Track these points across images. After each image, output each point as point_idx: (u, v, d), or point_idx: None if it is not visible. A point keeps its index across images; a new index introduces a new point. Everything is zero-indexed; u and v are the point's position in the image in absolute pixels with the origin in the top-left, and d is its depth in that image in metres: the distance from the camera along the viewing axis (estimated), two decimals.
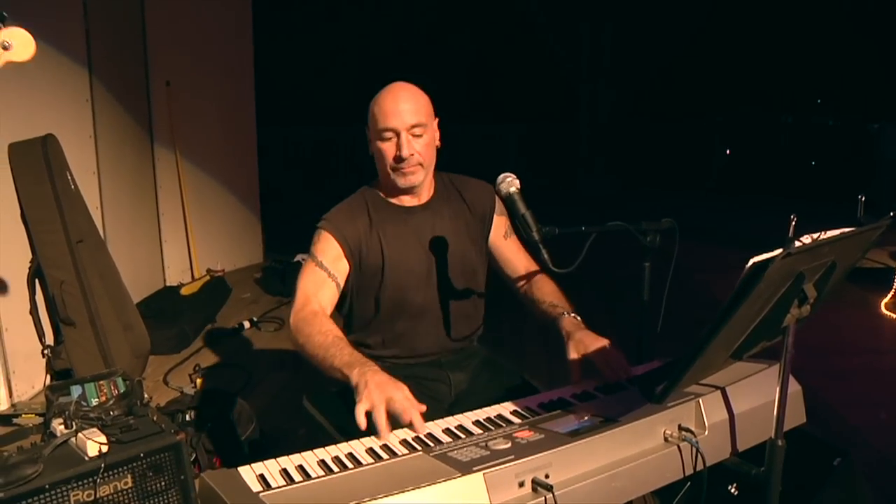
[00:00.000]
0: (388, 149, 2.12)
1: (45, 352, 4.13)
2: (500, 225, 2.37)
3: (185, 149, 6.28)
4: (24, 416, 3.68)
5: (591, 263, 1.92)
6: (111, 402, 2.69)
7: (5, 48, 1.80)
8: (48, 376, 4.14)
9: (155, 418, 2.49)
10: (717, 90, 11.68)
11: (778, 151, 11.08)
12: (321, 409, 2.34)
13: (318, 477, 1.39)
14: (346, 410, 2.29)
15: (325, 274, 2.14)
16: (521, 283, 2.35)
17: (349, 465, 1.45)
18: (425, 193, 2.28)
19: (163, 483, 2.38)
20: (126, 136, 5.53)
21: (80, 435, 2.27)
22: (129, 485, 2.31)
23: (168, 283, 6.20)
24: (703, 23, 10.93)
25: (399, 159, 2.11)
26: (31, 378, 4.01)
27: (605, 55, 11.77)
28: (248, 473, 1.41)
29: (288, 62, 8.06)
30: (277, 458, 1.52)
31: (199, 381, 3.83)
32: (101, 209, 4.94)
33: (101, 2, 4.98)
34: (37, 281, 4.02)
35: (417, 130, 2.11)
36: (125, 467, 2.29)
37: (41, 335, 4.08)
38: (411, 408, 1.64)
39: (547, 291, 2.26)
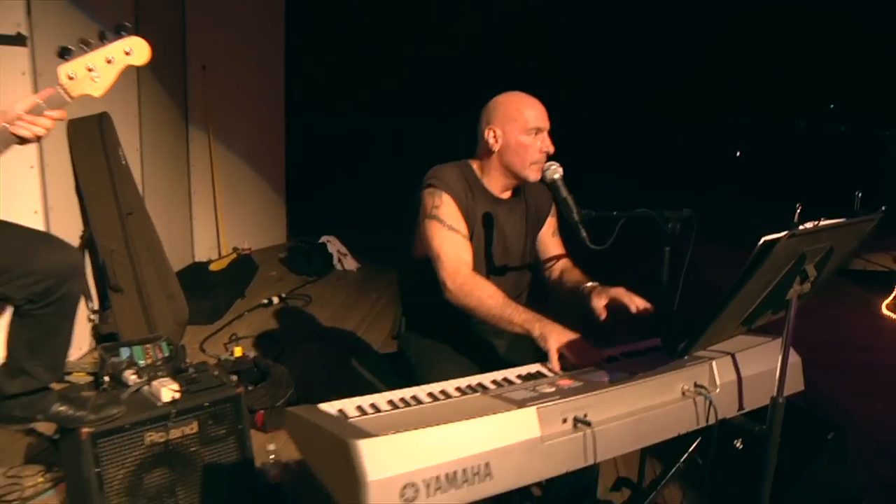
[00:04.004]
0: (535, 144, 2.39)
1: (92, 316, 4.41)
2: (551, 224, 2.67)
3: (217, 131, 6.53)
4: (74, 374, 3.93)
5: (617, 247, 2.19)
6: (158, 362, 2.96)
7: (127, 53, 2.07)
8: (93, 339, 4.42)
9: (216, 373, 2.75)
10: (730, 94, 11.85)
11: (789, 156, 11.23)
12: (370, 369, 2.60)
13: (390, 411, 1.65)
14: (393, 370, 2.57)
15: (458, 235, 2.37)
16: (556, 271, 2.64)
17: (413, 404, 1.71)
18: (509, 190, 2.55)
19: (223, 431, 2.66)
20: (165, 116, 5.79)
21: (154, 383, 2.53)
22: (195, 430, 2.58)
23: (197, 259, 6.46)
24: (714, 27, 11.11)
25: (546, 155, 2.39)
26: (79, 341, 4.26)
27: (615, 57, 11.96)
28: (328, 408, 1.66)
29: (318, 51, 8.30)
30: (349, 398, 1.76)
31: (236, 349, 4.09)
32: (143, 185, 5.20)
33: None
34: (86, 251, 4.30)
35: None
36: (192, 414, 2.57)
37: (88, 300, 4.36)
38: (585, 348, 2.03)
39: (574, 274, 2.54)
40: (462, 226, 2.41)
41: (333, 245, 6.78)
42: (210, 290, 5.38)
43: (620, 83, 12.08)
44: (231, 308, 5.39)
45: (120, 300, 4.24)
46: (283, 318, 5.28)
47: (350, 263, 6.74)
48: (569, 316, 2.21)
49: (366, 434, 1.38)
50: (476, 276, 2.34)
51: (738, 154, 11.96)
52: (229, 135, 6.69)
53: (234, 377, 3.59)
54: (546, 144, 2.40)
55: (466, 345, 2.48)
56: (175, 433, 2.52)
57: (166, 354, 3.06)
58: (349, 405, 1.69)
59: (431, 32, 9.36)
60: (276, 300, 5.53)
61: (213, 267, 6.05)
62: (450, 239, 2.36)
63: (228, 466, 2.67)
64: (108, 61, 2.09)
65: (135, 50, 2.12)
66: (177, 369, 2.82)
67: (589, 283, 2.40)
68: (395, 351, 2.74)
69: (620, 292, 2.24)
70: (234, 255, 6.47)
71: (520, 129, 2.41)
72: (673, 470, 2.13)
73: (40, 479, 3.02)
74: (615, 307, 2.23)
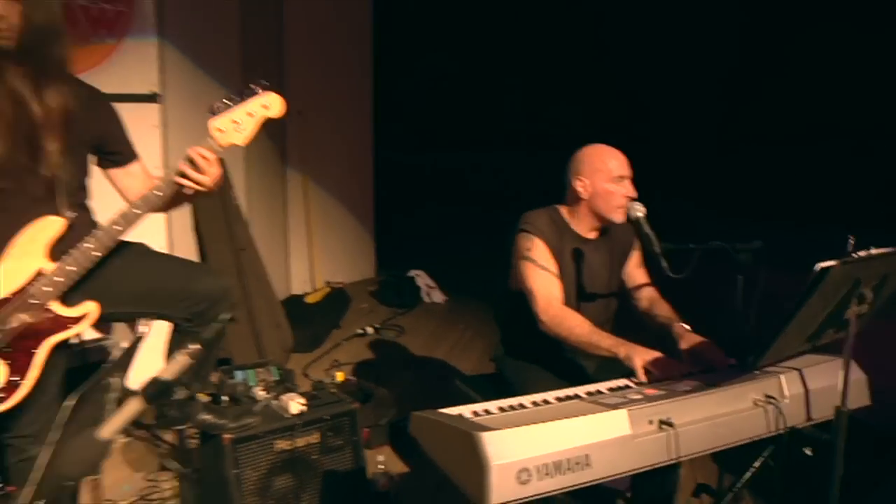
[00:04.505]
0: (619, 191, 2.72)
1: None
2: (635, 258, 2.97)
3: (312, 171, 6.98)
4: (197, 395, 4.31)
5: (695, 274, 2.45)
6: (270, 384, 3.31)
7: (265, 107, 2.45)
8: None
9: (333, 391, 3.10)
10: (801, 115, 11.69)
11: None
12: (474, 388, 2.91)
13: (502, 412, 1.96)
14: (491, 389, 2.88)
15: (549, 273, 2.70)
16: (644, 302, 2.93)
17: (519, 409, 2.01)
18: (596, 230, 2.87)
19: (341, 442, 2.99)
20: (266, 159, 6.25)
21: (283, 397, 2.88)
22: (317, 440, 2.92)
23: (293, 293, 6.89)
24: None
25: (630, 199, 2.71)
26: None
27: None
28: (448, 412, 1.97)
29: (405, 94, 8.74)
30: (461, 406, 2.06)
31: (338, 373, 4.44)
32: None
33: (254, 43, 5.72)
34: None
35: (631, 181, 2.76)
36: (315, 426, 2.91)
37: None
38: (667, 363, 2.33)
39: (663, 308, 2.83)
40: (552, 265, 2.74)
41: (422, 279, 7.12)
42: (309, 320, 5.76)
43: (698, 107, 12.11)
44: (328, 337, 5.76)
45: (233, 328, 4.64)
46: (377, 347, 5.62)
47: (437, 296, 7.07)
48: (650, 339, 2.49)
49: (487, 428, 1.69)
50: (565, 308, 2.66)
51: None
52: (322, 174, 7.12)
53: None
54: (629, 190, 2.73)
55: (558, 366, 2.78)
56: (300, 442, 2.86)
57: (276, 378, 3.41)
58: (465, 410, 2.00)
59: (516, 69, 9.69)
60: (370, 330, 5.90)
61: (308, 299, 6.44)
62: (541, 277, 2.70)
63: (344, 474, 2.99)
64: (250, 115, 2.47)
65: (271, 104, 2.50)
66: (290, 389, 3.17)
67: (678, 325, 2.67)
68: (492, 373, 3.07)
69: (707, 347, 2.51)
70: (328, 289, 6.86)
71: (605, 178, 2.73)
72: (748, 474, 2.36)
73: (176, 483, 3.42)
74: (698, 357, 2.50)
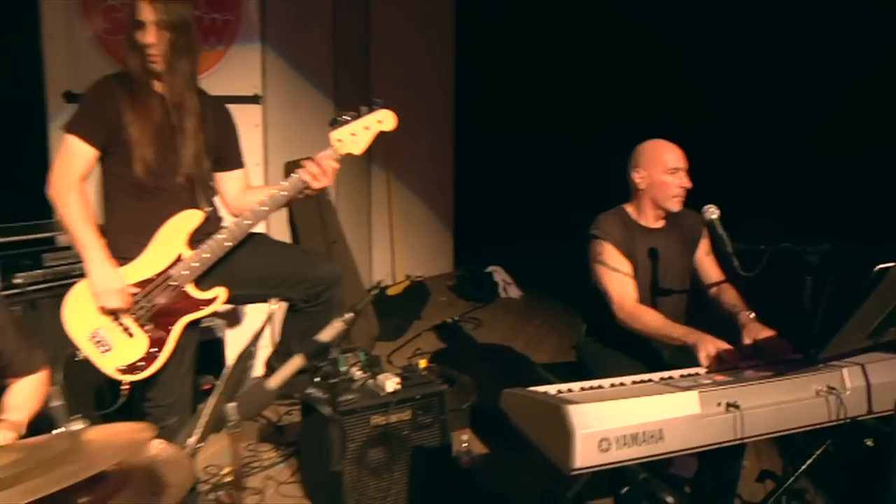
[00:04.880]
0: (674, 181, 2.98)
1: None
2: (704, 245, 3.18)
3: (395, 169, 7.29)
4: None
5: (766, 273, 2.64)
6: (358, 367, 3.58)
7: (379, 122, 2.74)
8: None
9: (424, 373, 3.37)
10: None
11: None
12: (553, 374, 3.15)
13: (584, 391, 2.19)
14: (573, 377, 3.11)
15: (621, 274, 2.96)
16: (713, 289, 3.13)
17: (600, 389, 2.24)
18: (662, 220, 3.11)
19: (429, 420, 3.25)
20: (353, 158, 6.54)
21: (379, 377, 3.16)
22: (409, 417, 3.19)
23: (375, 284, 7.20)
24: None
25: (685, 190, 2.99)
26: None
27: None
28: (536, 389, 2.21)
29: (485, 96, 8.99)
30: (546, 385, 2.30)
31: (421, 361, 4.70)
32: None
33: (344, 48, 6.04)
34: None
35: (687, 172, 3.00)
36: (407, 403, 3.18)
37: None
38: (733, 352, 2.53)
39: (731, 296, 3.02)
40: (624, 265, 2.98)
41: (499, 274, 7.36)
42: (392, 311, 6.06)
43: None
44: (410, 327, 6.05)
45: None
46: (457, 338, 5.89)
47: (514, 292, 7.30)
48: (720, 329, 2.70)
49: (573, 402, 1.92)
50: (638, 305, 2.92)
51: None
52: (405, 172, 7.42)
53: None
54: (683, 181, 2.99)
55: (636, 352, 3.00)
56: (393, 418, 3.14)
57: (364, 362, 3.70)
58: (551, 389, 2.23)
59: (596, 72, 9.83)
60: (449, 321, 6.17)
61: (390, 291, 6.75)
62: (615, 279, 2.96)
63: (431, 450, 3.26)
64: (366, 128, 2.77)
65: (385, 119, 2.80)
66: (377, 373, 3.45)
67: (744, 314, 2.86)
68: (570, 361, 3.31)
69: (772, 338, 2.69)
70: (408, 282, 7.15)
71: (662, 170, 2.99)
72: (810, 461, 2.54)
73: (273, 454, 3.75)
74: (763, 347, 2.69)
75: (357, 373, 3.30)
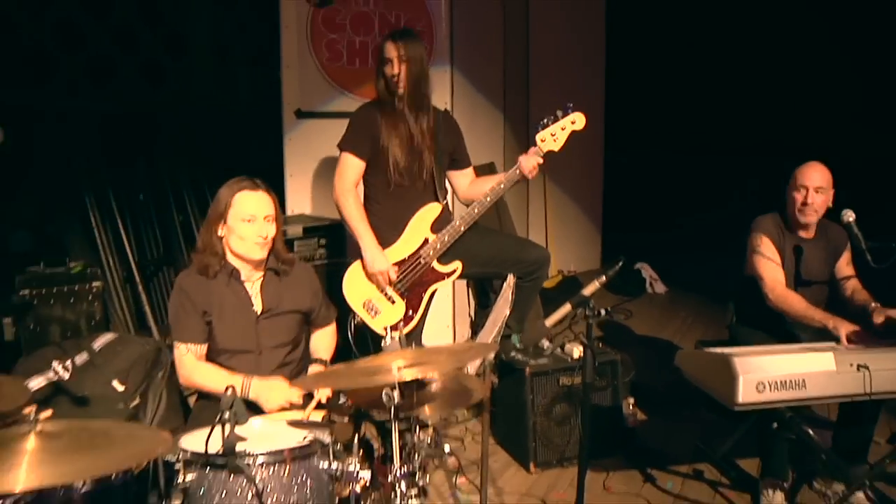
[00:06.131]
0: (799, 197, 3.54)
1: (470, 313, 5.96)
2: (846, 256, 3.72)
3: (549, 171, 7.98)
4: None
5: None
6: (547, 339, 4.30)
7: (573, 123, 3.50)
8: (469, 329, 5.95)
9: (600, 345, 4.09)
10: None
11: None
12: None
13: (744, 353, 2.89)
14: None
15: (773, 263, 3.57)
16: (849, 290, 3.68)
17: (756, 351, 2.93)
18: (812, 231, 3.67)
19: (604, 383, 3.96)
20: (515, 159, 7.34)
21: (567, 345, 3.91)
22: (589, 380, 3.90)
23: None
24: None
25: (804, 203, 3.53)
26: (461, 329, 5.78)
27: None
28: (706, 349, 2.91)
29: (634, 101, 9.59)
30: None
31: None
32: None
33: (511, 66, 6.85)
34: None
35: (821, 191, 3.52)
36: (591, 368, 3.88)
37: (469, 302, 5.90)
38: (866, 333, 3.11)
39: (863, 294, 3.58)
40: (776, 256, 3.59)
41: (646, 270, 7.96)
42: (548, 301, 6.78)
43: None
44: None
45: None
46: (610, 326, 6.56)
47: (660, 287, 7.89)
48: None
49: (737, 355, 2.62)
50: (787, 290, 3.53)
51: None
52: (559, 174, 8.10)
53: None
54: (803, 197, 3.53)
55: (779, 335, 3.61)
56: (577, 379, 3.87)
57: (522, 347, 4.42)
58: (714, 349, 2.93)
59: (745, 76, 9.98)
60: (602, 312, 6.82)
61: (546, 284, 7.46)
62: (768, 266, 3.57)
63: (606, 409, 3.96)
64: (563, 129, 3.54)
65: (577, 120, 3.57)
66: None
67: (874, 304, 3.44)
68: (724, 339, 3.97)
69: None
70: (561, 276, 7.86)
71: (792, 187, 3.58)
72: None
73: (466, 413, 4.53)
74: (890, 329, 3.26)
75: (545, 343, 4.06)
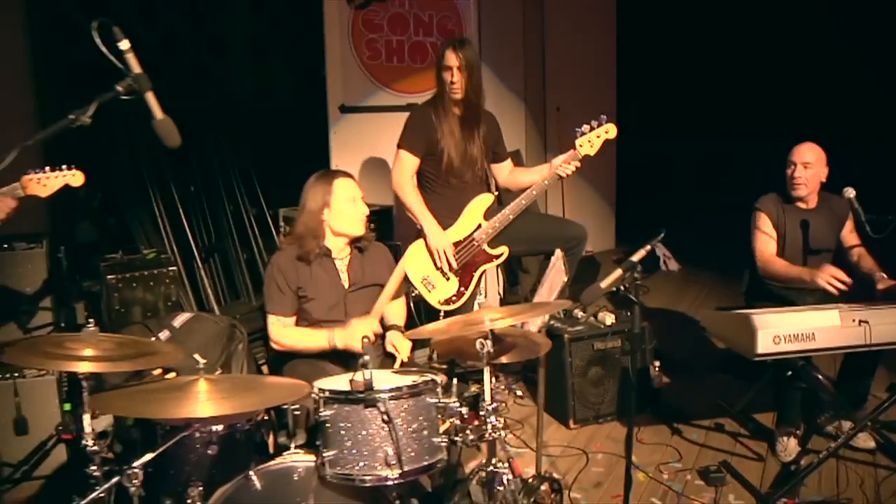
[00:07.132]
0: (788, 173, 4.01)
1: (500, 291, 6.42)
2: (849, 224, 4.14)
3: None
4: None
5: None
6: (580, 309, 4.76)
7: (606, 132, 3.94)
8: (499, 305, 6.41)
9: (628, 314, 4.55)
10: None
11: None
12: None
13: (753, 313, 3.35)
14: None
15: (766, 236, 4.02)
16: (854, 257, 4.10)
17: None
18: (812, 202, 4.10)
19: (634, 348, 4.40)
20: (533, 146, 7.79)
21: (599, 314, 4.37)
22: (619, 345, 4.37)
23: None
24: None
25: (792, 177, 4.00)
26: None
27: None
28: (726, 311, 3.36)
29: (645, 88, 10.03)
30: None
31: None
32: None
33: (529, 60, 7.29)
34: None
35: (809, 166, 3.97)
36: (620, 334, 4.36)
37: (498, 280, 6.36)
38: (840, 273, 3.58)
39: (868, 261, 4.01)
40: (772, 231, 4.03)
41: (660, 249, 8.38)
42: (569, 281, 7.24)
43: None
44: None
45: (525, 278, 6.23)
46: (629, 300, 7.00)
47: (673, 265, 8.32)
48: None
49: (755, 314, 3.08)
50: (775, 257, 3.97)
51: None
52: None
53: None
54: (791, 172, 3.99)
55: (786, 300, 4.04)
56: (609, 344, 4.34)
57: (561, 316, 4.90)
58: (733, 311, 3.39)
59: (755, 63, 10.23)
60: (622, 288, 7.27)
61: None
62: (761, 238, 4.04)
63: (634, 371, 4.42)
64: (598, 137, 3.98)
65: (610, 130, 4.01)
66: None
67: (878, 273, 3.88)
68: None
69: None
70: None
71: (787, 165, 4.03)
72: None
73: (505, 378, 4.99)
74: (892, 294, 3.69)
75: (578, 312, 4.52)
